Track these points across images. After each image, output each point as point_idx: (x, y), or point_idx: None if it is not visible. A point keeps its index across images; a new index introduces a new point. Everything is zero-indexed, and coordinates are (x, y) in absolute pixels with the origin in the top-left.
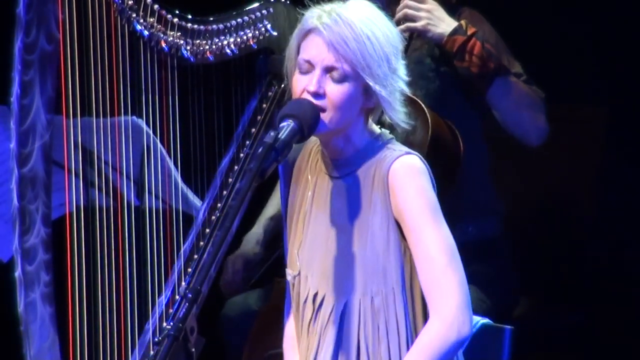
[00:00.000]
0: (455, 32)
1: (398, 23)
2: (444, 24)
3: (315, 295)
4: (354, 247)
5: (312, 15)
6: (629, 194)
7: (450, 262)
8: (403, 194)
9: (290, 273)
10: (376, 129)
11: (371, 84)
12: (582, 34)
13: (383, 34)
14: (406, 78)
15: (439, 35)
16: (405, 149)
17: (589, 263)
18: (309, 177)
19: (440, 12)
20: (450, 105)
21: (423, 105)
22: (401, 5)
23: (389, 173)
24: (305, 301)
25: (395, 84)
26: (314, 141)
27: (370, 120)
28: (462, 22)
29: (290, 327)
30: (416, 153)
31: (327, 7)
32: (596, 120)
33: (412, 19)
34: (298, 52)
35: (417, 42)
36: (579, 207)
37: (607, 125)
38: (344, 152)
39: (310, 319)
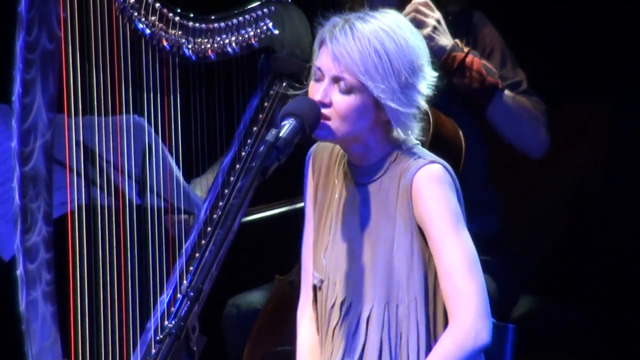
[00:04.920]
0: (453, 49)
1: None
2: (446, 38)
3: (343, 301)
4: (379, 254)
5: (330, 24)
6: (629, 193)
7: (470, 271)
8: (425, 203)
9: (317, 276)
10: (400, 135)
11: (376, 96)
12: (583, 34)
13: (397, 47)
14: (425, 93)
15: (440, 47)
16: (430, 156)
17: (590, 262)
18: (336, 181)
19: (444, 25)
20: (456, 103)
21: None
22: (410, 7)
23: (413, 181)
24: (332, 307)
25: (406, 99)
26: (339, 147)
27: (393, 130)
28: (457, 40)
29: (306, 334)
30: (441, 161)
31: (350, 15)
32: (596, 120)
33: (420, 24)
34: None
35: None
36: (579, 206)
37: (607, 125)
38: (367, 159)
39: (337, 325)
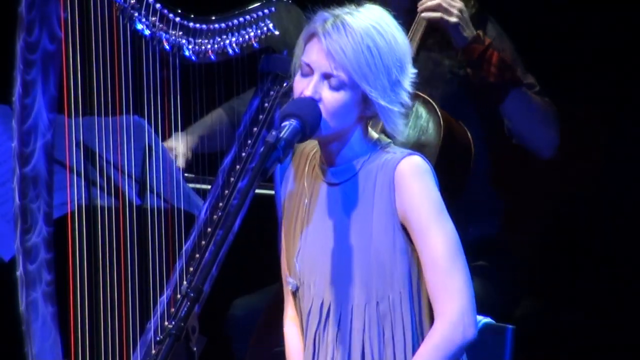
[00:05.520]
0: (475, 40)
1: (428, 11)
2: (468, 28)
3: (322, 304)
4: (357, 253)
5: (319, 19)
6: (629, 194)
7: (455, 264)
8: (409, 194)
9: (292, 282)
10: (374, 134)
11: (368, 94)
12: (582, 34)
13: (387, 45)
14: (410, 91)
15: (463, 38)
16: (406, 150)
17: (590, 262)
18: (305, 184)
19: (467, 15)
20: (463, 107)
21: (435, 106)
22: None
23: (395, 174)
24: (310, 310)
25: (395, 96)
26: (309, 148)
27: (369, 128)
28: (479, 32)
29: (293, 341)
30: (418, 153)
31: (338, 11)
32: (596, 120)
33: (445, 12)
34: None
35: (434, 41)
36: (579, 207)
37: (607, 125)
38: (343, 158)
39: (317, 329)
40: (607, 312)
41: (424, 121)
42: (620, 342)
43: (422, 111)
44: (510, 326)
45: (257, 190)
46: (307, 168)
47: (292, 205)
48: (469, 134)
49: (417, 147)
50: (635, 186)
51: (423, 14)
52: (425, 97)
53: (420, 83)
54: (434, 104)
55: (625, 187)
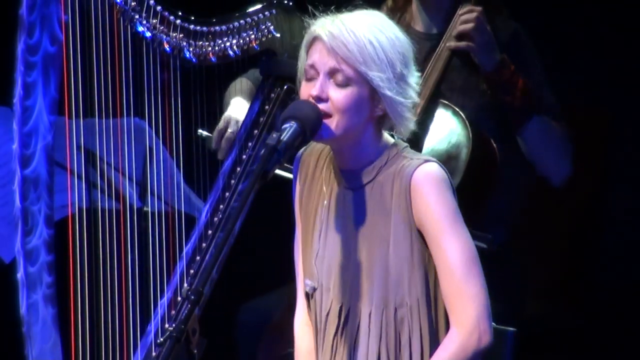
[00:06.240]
0: (502, 64)
1: (459, 37)
2: (495, 53)
3: (341, 308)
4: (375, 258)
5: (318, 23)
6: (630, 195)
7: (470, 271)
8: (425, 203)
9: (309, 284)
10: (390, 138)
11: (375, 85)
12: (583, 35)
13: (388, 40)
14: (417, 87)
15: (490, 62)
16: (423, 156)
17: (591, 265)
18: (324, 188)
19: (493, 39)
20: (488, 118)
21: (465, 120)
22: (466, 17)
23: (411, 181)
24: (328, 314)
25: (401, 90)
26: (327, 151)
27: (382, 131)
28: (504, 55)
29: (303, 341)
30: (435, 160)
31: (336, 15)
32: (596, 120)
33: (474, 38)
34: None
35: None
36: (580, 208)
37: (608, 125)
38: (359, 162)
39: (336, 333)
40: (609, 316)
41: (453, 134)
42: (622, 346)
43: (452, 123)
44: (512, 329)
45: (272, 182)
46: (324, 171)
47: (310, 207)
48: (496, 148)
49: (446, 160)
50: (636, 186)
51: (448, 44)
52: (456, 109)
53: (454, 91)
54: (463, 116)
55: (625, 187)
